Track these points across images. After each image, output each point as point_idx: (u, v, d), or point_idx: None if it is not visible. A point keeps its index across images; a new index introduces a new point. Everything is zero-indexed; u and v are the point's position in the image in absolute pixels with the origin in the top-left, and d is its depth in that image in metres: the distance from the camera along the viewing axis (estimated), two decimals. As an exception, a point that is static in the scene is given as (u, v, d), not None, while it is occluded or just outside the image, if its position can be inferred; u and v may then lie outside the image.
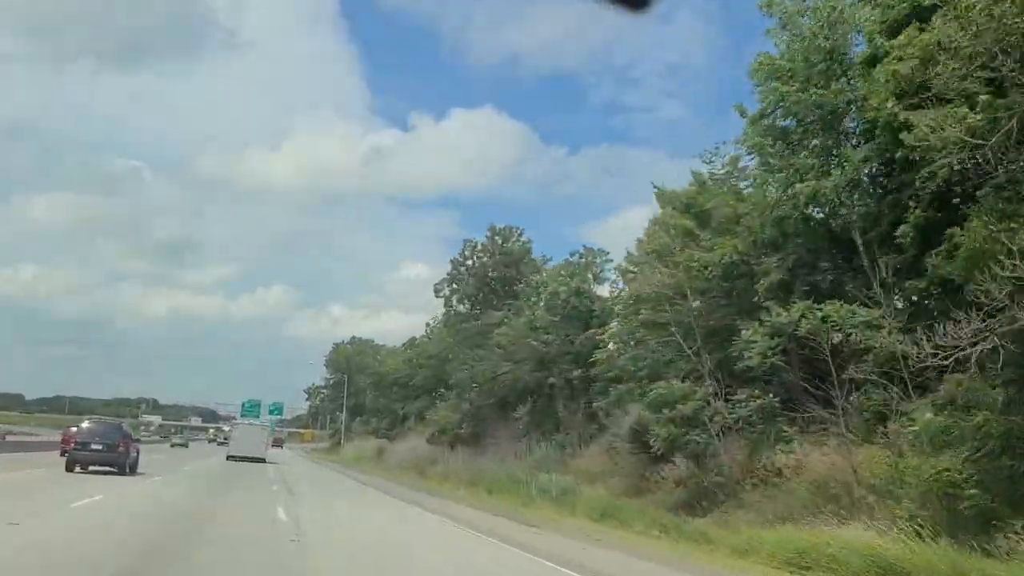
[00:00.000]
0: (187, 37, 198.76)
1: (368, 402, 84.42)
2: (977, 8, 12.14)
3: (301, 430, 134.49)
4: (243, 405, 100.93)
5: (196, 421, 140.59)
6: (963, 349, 12.40)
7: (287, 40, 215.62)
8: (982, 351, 12.28)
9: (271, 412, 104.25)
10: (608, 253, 38.52)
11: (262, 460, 48.28)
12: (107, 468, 26.93)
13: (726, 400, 19.45)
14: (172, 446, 79.97)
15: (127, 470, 27.52)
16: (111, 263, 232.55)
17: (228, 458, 48.60)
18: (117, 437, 27.60)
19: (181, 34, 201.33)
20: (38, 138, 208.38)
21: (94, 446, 27.04)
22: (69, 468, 26.83)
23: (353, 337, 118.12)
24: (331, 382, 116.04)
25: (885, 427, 15.52)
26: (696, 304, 22.17)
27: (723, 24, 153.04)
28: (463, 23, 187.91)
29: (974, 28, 12.25)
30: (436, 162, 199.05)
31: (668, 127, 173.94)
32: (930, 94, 13.33)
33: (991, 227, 12.51)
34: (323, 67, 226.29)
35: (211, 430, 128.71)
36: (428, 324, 68.43)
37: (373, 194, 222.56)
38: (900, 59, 14.49)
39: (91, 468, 27.13)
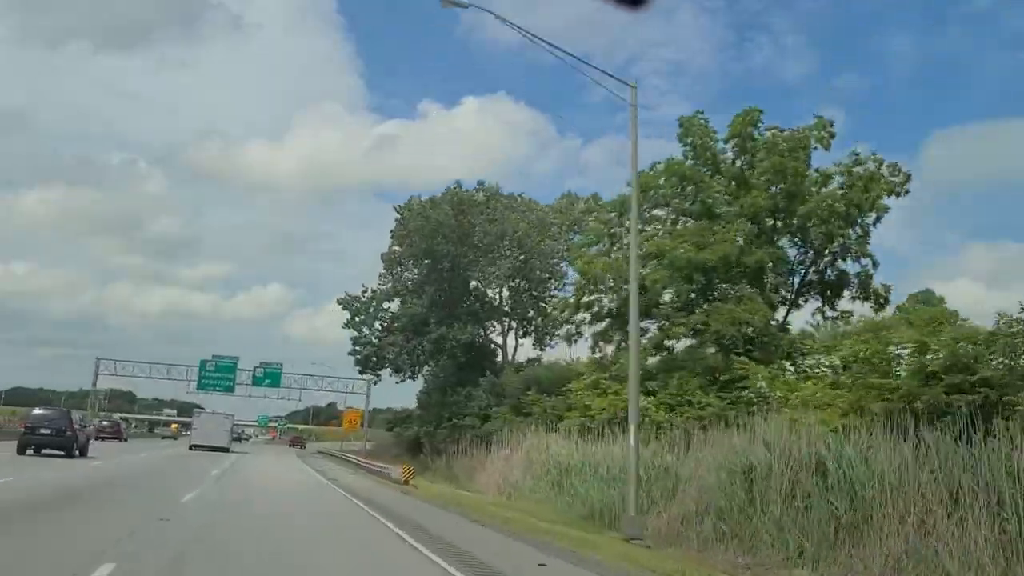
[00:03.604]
0: (189, 25, 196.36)
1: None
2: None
3: (304, 425, 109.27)
4: (200, 368, 61.43)
5: (172, 414, 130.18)
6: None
7: (289, 28, 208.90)
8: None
9: (258, 382, 63.42)
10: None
11: (225, 450, 50.63)
12: (57, 451, 28.74)
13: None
14: (163, 438, 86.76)
15: (75, 453, 29.28)
16: (102, 259, 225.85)
17: (191, 447, 50.88)
18: (65, 423, 29.40)
19: (182, 22, 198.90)
20: (32, 128, 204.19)
21: (43, 431, 28.95)
22: (20, 451, 28.66)
23: (462, 181, 52.87)
24: (416, 272, 48.75)
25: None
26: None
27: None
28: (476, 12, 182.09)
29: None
30: (444, 153, 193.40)
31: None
32: None
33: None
34: (324, 59, 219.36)
35: (176, 425, 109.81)
36: None
37: (374, 190, 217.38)
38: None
39: (44, 452, 28.84)
